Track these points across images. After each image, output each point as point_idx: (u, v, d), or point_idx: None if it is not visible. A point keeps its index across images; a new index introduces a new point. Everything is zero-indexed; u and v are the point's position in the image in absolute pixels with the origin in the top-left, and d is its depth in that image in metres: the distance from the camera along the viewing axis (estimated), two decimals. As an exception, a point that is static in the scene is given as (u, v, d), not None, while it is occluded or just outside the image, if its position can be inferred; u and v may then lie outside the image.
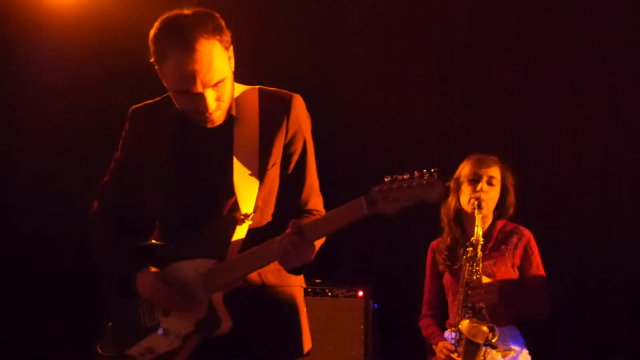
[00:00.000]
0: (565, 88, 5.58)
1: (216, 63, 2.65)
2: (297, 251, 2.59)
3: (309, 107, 2.95)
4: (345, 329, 5.00)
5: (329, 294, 5.07)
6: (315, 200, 2.94)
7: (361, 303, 5.02)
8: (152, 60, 2.72)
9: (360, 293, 5.05)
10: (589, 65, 5.53)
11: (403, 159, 5.82)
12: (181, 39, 2.61)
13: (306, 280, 4.90)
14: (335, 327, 5.00)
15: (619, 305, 5.30)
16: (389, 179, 2.51)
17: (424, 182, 2.46)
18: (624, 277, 5.32)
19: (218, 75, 2.67)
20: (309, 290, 5.00)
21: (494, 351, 4.11)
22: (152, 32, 2.70)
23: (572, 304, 5.20)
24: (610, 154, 5.48)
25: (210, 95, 2.69)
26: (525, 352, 4.33)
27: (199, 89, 2.67)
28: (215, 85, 2.68)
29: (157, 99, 2.95)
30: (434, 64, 5.89)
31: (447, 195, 4.50)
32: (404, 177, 2.49)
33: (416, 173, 2.48)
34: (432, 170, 2.47)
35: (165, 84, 2.76)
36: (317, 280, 5.07)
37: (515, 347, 4.31)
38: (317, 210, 2.92)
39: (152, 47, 2.71)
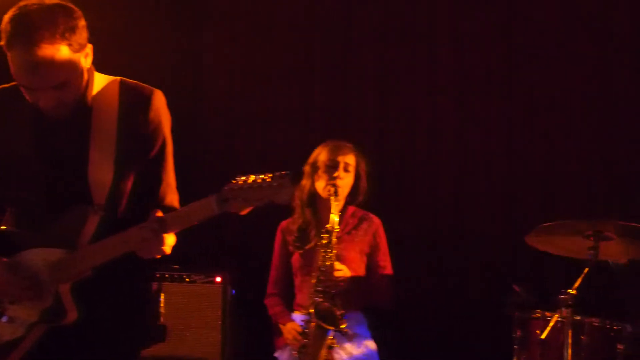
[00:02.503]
0: (424, 77, 5.70)
1: (57, 67, 2.61)
2: (158, 241, 2.64)
3: (172, 100, 2.93)
4: (203, 315, 5.00)
5: (187, 279, 5.03)
6: (171, 198, 2.95)
7: (219, 289, 5.02)
8: (2, 43, 2.66)
9: (218, 279, 5.04)
10: (447, 55, 5.66)
11: (264, 149, 5.84)
12: (25, 36, 2.57)
13: (165, 266, 4.87)
14: (194, 313, 4.99)
15: (461, 294, 5.48)
16: (241, 178, 2.55)
17: (275, 183, 2.53)
18: (471, 269, 5.51)
19: (57, 78, 2.63)
20: (167, 275, 4.98)
21: (341, 335, 4.22)
22: (6, 16, 2.64)
23: (414, 292, 5.36)
24: (467, 145, 5.63)
25: (46, 96, 2.67)
26: (370, 335, 4.49)
27: (34, 88, 2.65)
28: (54, 87, 2.65)
29: (14, 83, 2.86)
30: (296, 53, 5.92)
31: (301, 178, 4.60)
32: (256, 177, 2.54)
33: (268, 174, 2.54)
34: (284, 172, 2.53)
35: None
36: (175, 266, 5.03)
37: (361, 332, 4.45)
38: (173, 208, 2.92)
39: (2, 31, 2.64)
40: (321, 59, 5.88)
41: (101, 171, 2.78)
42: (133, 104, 2.85)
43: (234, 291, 5.13)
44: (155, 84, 2.92)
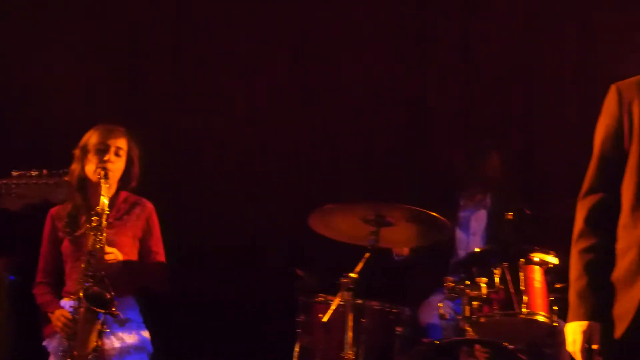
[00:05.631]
0: (218, 60, 5.72)
1: None
2: None
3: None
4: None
5: (-45, 264, 4.74)
6: None
7: (-8, 274, 4.76)
8: None
9: (-9, 263, 4.79)
10: (245, 39, 5.71)
11: (50, 130, 5.62)
12: None
13: None
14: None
15: (245, 279, 5.51)
16: (17, 173, 2.41)
17: (52, 181, 2.41)
18: (256, 253, 5.58)
19: None
20: None
21: (111, 320, 4.15)
22: None
23: (193, 278, 5.33)
24: (255, 129, 5.68)
25: None
26: (141, 320, 4.42)
27: None
28: None
29: None
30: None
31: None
32: (32, 173, 2.41)
33: (45, 171, 2.42)
34: (62, 171, 2.43)
35: None
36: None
37: (133, 317, 4.38)
38: None
39: None
40: (114, 43, 5.74)
41: None
42: None
43: (12, 277, 4.88)
44: None
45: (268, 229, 5.53)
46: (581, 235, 2.87)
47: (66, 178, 4.31)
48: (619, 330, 2.75)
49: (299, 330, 4.40)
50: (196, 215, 5.50)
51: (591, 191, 2.89)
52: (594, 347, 2.79)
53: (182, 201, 5.45)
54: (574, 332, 2.82)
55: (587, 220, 2.86)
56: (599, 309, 2.78)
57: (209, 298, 5.41)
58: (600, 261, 2.81)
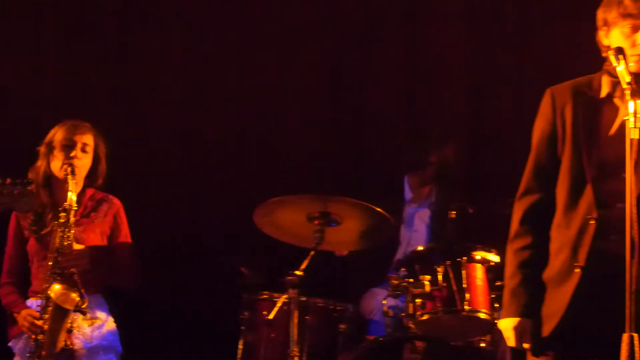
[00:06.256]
0: (157, 56, 5.69)
1: None
2: None
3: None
4: None
5: None
6: None
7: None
8: None
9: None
10: (181, 36, 5.71)
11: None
12: None
13: None
14: None
15: (195, 277, 5.51)
16: None
17: (15, 191, 2.38)
18: (204, 251, 5.56)
19: None
20: None
21: (80, 320, 4.11)
22: None
23: (158, 274, 5.31)
24: (197, 128, 5.71)
25: None
26: (111, 320, 4.37)
27: None
28: None
29: None
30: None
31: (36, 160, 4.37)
32: None
33: (8, 180, 2.39)
34: (26, 180, 2.41)
35: None
36: None
37: (101, 316, 4.32)
38: None
39: None
40: (54, 36, 5.69)
41: None
42: None
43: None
44: None
45: (212, 226, 5.52)
46: (517, 235, 2.95)
47: (30, 175, 4.31)
48: (548, 327, 2.82)
49: (243, 328, 4.40)
50: (138, 211, 5.47)
51: (527, 192, 2.96)
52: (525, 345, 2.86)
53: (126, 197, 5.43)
54: (506, 329, 2.91)
55: (523, 221, 2.94)
56: (530, 306, 2.86)
57: (153, 295, 5.39)
58: (534, 260, 2.89)
